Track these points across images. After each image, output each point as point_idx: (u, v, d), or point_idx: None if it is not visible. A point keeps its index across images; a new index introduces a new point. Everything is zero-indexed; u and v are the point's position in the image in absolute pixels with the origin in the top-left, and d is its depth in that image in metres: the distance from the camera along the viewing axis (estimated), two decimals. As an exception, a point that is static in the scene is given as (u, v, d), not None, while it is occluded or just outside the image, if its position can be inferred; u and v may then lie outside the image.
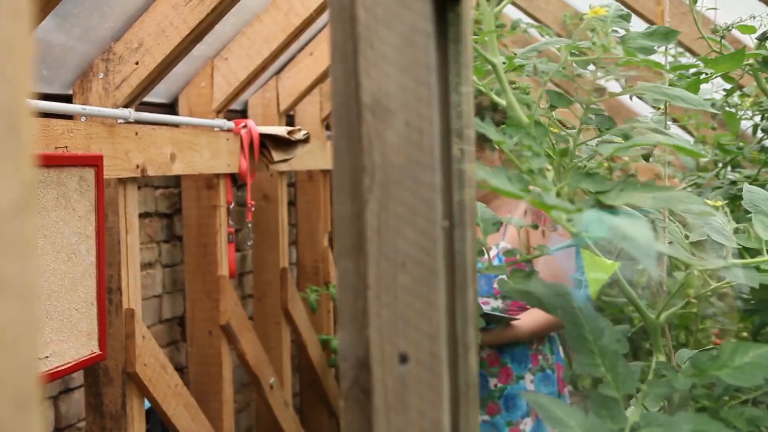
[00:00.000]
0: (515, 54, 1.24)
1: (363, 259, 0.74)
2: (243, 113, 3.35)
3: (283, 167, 3.06)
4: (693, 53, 2.90)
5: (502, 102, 1.12)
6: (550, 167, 1.11)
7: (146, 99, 2.58)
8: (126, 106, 2.10)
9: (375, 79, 0.71)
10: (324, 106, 3.83)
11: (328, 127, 4.37)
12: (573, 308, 1.04)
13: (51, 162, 1.74)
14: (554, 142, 1.16)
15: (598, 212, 0.87)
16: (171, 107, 2.74)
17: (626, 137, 1.12)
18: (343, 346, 0.77)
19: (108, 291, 2.06)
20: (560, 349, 2.56)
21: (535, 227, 1.25)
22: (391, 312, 0.72)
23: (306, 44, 3.24)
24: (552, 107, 1.21)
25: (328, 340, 3.70)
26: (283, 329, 3.31)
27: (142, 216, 2.64)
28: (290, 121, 3.70)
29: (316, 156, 3.64)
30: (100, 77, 2.09)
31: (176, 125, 2.43)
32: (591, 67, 1.19)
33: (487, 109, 3.66)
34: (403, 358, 0.72)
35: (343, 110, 0.75)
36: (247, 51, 2.64)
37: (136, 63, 2.08)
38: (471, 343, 0.79)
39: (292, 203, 3.85)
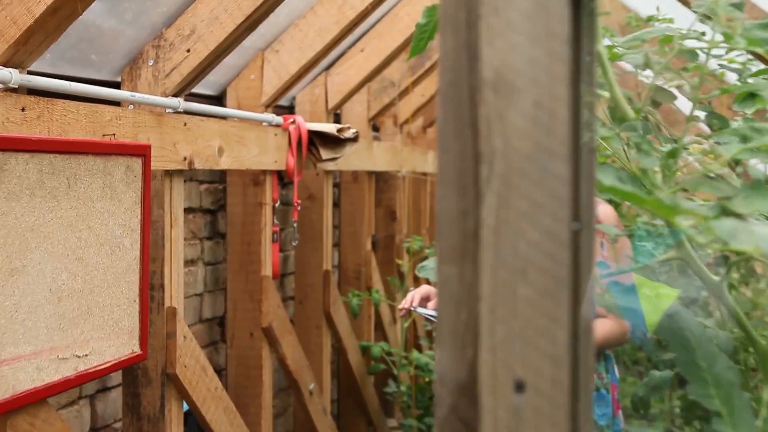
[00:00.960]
0: (614, 44, 1.12)
1: (472, 265, 0.62)
2: (290, 109, 3.25)
3: (331, 166, 2.96)
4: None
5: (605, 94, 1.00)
6: (657, 168, 0.98)
7: (194, 90, 2.49)
8: (175, 95, 2.01)
9: (499, 51, 0.59)
10: (371, 105, 3.72)
11: (374, 128, 4.26)
12: (683, 330, 0.92)
13: (98, 149, 1.65)
14: (661, 141, 1.03)
15: (737, 220, 0.74)
16: (219, 100, 2.65)
17: (745, 138, 0.99)
18: (440, 366, 0.65)
19: (150, 288, 1.96)
20: (615, 367, 2.42)
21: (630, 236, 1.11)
22: (508, 329, 0.60)
23: (357, 40, 3.14)
24: (656, 103, 1.09)
25: (369, 347, 3.59)
26: (324, 334, 3.21)
27: (186, 211, 2.55)
28: (336, 119, 3.60)
29: (362, 156, 3.53)
30: (150, 64, 2.00)
31: (224, 118, 2.34)
32: (702, 58, 1.07)
33: None
34: (520, 386, 0.60)
35: (452, 90, 0.63)
36: (299, 44, 2.54)
37: (188, 50, 1.99)
38: (592, 369, 0.67)
39: (335, 204, 3.75)
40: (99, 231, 1.67)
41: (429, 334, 4.37)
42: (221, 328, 2.78)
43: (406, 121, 4.36)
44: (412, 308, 2.29)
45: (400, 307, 2.31)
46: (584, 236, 0.66)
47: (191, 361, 2.10)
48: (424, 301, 2.31)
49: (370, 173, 3.83)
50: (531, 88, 0.59)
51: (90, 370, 1.67)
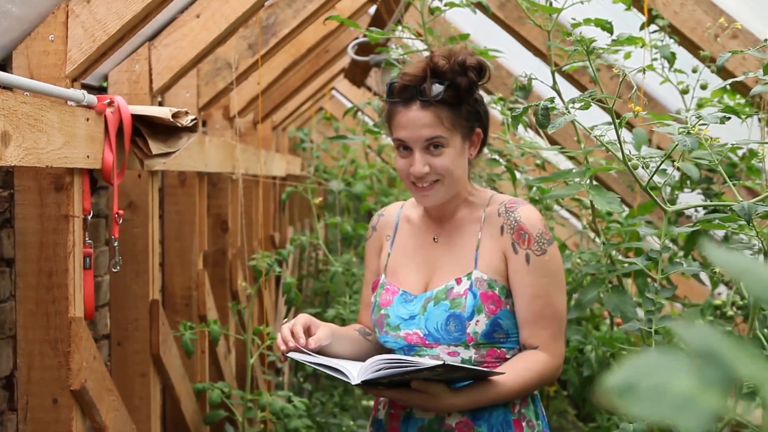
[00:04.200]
0: None
1: None
2: (100, 91, 2.49)
3: (161, 164, 2.24)
4: (681, 35, 2.38)
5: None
6: None
7: (-38, 51, 1.70)
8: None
9: None
10: (201, 90, 3.01)
11: (204, 122, 3.55)
12: None
13: None
14: None
15: None
16: (1, 69, 1.86)
17: None
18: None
19: None
20: (543, 411, 1.92)
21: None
22: None
23: (192, 2, 2.44)
24: None
25: (204, 390, 2.87)
26: (153, 383, 2.46)
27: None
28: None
29: (192, 154, 2.82)
30: None
31: (9, 90, 1.59)
32: None
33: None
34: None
35: None
36: (121, -9, 1.82)
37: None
38: None
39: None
40: None
41: (272, 365, 3.71)
42: (9, 392, 1.98)
43: (239, 114, 3.68)
44: (294, 356, 1.66)
45: (280, 348, 1.68)
46: None
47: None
48: (306, 335, 1.70)
49: (200, 175, 3.12)
50: None
51: None
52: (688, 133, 1.21)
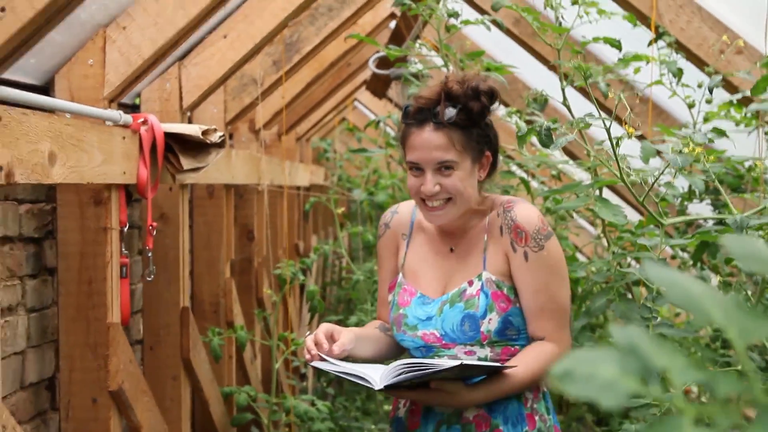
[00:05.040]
0: None
1: None
2: (133, 109, 2.63)
3: (191, 178, 2.37)
4: (687, 51, 2.47)
5: None
6: None
7: (8, 76, 1.84)
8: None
9: None
10: (228, 106, 3.15)
11: (230, 135, 3.68)
12: None
13: None
14: None
15: None
16: (44, 92, 2.00)
17: None
18: None
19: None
20: (553, 407, 2.01)
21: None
22: None
23: (219, 23, 2.57)
24: None
25: (231, 393, 3.00)
26: (183, 385, 2.59)
27: (0, 241, 1.89)
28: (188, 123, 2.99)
29: (220, 167, 2.95)
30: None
31: (52, 112, 1.72)
32: None
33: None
34: None
35: None
36: (154, 18, 1.95)
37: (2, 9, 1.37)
38: None
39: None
40: None
41: (296, 370, 3.83)
42: (51, 393, 2.11)
43: (264, 127, 3.81)
44: (318, 365, 1.76)
45: (306, 357, 1.78)
46: None
47: (15, 458, 1.47)
48: (330, 342, 1.80)
49: (228, 187, 3.25)
50: None
51: None
52: (681, 152, 1.31)
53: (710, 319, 0.51)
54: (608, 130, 1.47)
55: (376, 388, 1.65)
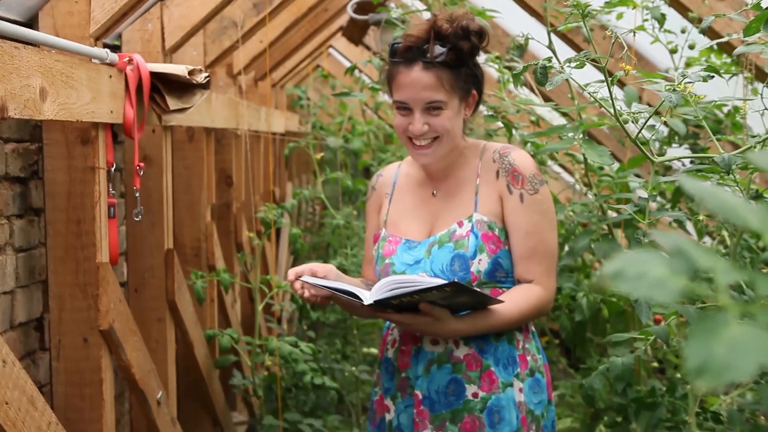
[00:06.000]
0: None
1: None
2: (114, 49, 2.58)
3: (177, 119, 2.35)
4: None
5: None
6: None
7: (-6, 12, 1.80)
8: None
9: None
10: (208, 48, 3.11)
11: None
12: None
13: None
14: None
15: None
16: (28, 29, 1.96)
17: None
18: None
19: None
20: (542, 346, 2.06)
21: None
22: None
23: (202, -38, 2.53)
24: None
25: (214, 336, 3.02)
26: (168, 327, 2.61)
27: (-13, 180, 1.87)
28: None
29: (201, 110, 2.92)
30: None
31: (36, 47, 1.69)
32: None
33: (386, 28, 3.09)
34: None
35: None
36: (142, -46, 1.91)
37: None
38: None
39: (167, 168, 3.10)
40: None
41: (275, 314, 3.86)
42: (40, 333, 2.11)
43: (241, 71, 3.77)
44: (306, 279, 1.78)
45: (290, 278, 1.81)
46: None
47: (15, 393, 1.48)
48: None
49: (207, 131, 3.23)
50: None
51: None
52: (674, 90, 1.33)
53: (746, 224, 0.53)
54: (604, 69, 1.49)
55: (366, 303, 1.66)
